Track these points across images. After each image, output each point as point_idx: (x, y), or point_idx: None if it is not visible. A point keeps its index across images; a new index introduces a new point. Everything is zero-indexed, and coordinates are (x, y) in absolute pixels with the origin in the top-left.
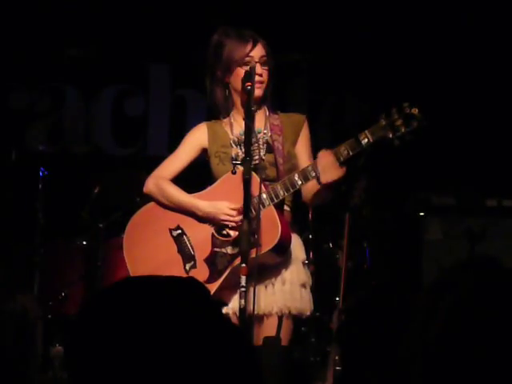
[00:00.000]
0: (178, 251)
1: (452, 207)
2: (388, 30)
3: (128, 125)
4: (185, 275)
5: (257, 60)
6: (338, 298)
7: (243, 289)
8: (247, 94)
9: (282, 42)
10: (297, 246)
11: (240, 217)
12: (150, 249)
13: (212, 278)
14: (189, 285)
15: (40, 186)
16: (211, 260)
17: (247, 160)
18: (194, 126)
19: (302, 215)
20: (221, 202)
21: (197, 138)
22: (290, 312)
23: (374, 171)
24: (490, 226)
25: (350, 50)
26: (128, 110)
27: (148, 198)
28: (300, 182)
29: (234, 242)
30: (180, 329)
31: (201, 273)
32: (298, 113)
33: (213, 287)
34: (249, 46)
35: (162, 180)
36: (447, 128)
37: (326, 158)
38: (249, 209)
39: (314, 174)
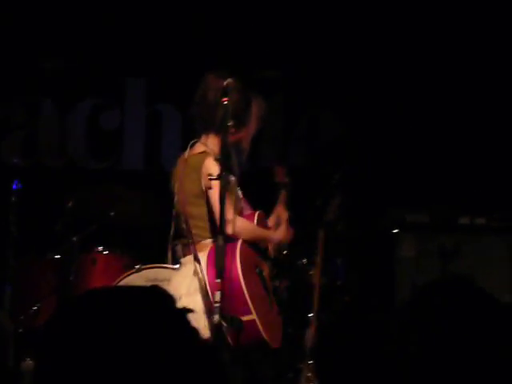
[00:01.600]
0: (263, 288)
1: (425, 224)
2: (362, 47)
3: (103, 138)
4: (270, 311)
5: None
6: (311, 315)
7: (217, 304)
8: (223, 109)
9: (258, 58)
10: None
11: None
12: (252, 281)
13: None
14: (153, 294)
15: (13, 198)
16: (274, 294)
17: (223, 175)
18: (169, 141)
19: None
20: (281, 227)
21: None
22: None
23: (348, 188)
24: (463, 243)
25: (325, 66)
26: (103, 123)
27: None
28: None
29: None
30: (145, 337)
31: (275, 306)
32: None
33: (280, 317)
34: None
35: (243, 221)
36: (421, 146)
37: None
38: (224, 225)
39: None
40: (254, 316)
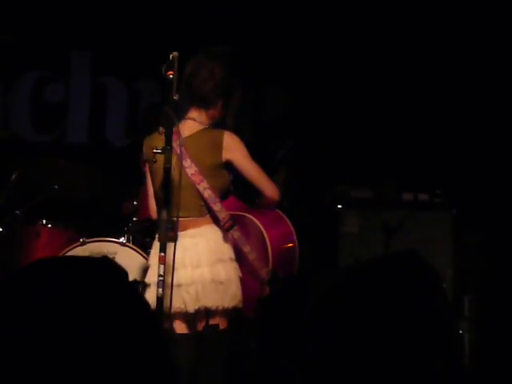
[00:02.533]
0: None
1: (369, 200)
2: (309, 20)
3: (47, 111)
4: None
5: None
6: None
7: (161, 278)
8: (168, 82)
9: (204, 34)
10: None
11: None
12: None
13: None
14: (104, 265)
15: None
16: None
17: (168, 149)
18: (113, 114)
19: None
20: None
21: None
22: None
23: (293, 163)
24: (406, 219)
25: (271, 41)
26: (47, 96)
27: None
28: None
29: None
30: (93, 308)
31: None
32: None
33: None
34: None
35: None
36: (365, 122)
37: None
38: (170, 198)
39: None
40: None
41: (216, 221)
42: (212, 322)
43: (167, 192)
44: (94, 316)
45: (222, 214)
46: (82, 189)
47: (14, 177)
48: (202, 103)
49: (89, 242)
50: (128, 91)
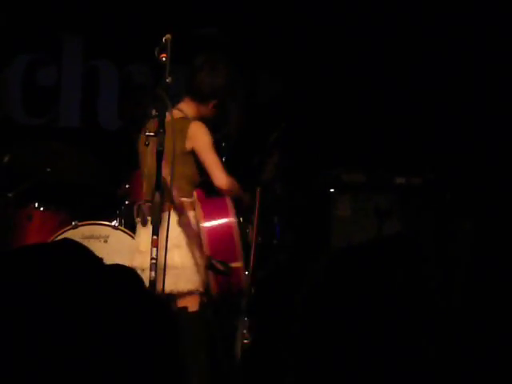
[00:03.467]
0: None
1: (361, 184)
2: (299, 4)
3: (39, 94)
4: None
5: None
6: (247, 273)
7: (153, 261)
8: (161, 65)
9: (194, 16)
10: None
11: None
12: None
13: None
14: (72, 247)
15: None
16: None
17: (161, 132)
18: (105, 97)
19: (213, 190)
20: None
21: None
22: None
23: (285, 147)
24: (399, 203)
25: (261, 24)
26: (40, 79)
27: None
28: None
29: None
30: (68, 291)
31: None
32: None
33: None
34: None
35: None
36: (359, 106)
37: None
38: (161, 181)
39: None
40: (240, 264)
41: (176, 207)
42: (181, 304)
43: (159, 175)
44: (61, 298)
45: (176, 201)
46: (74, 172)
47: (5, 160)
48: (196, 97)
49: (81, 226)
50: (120, 74)
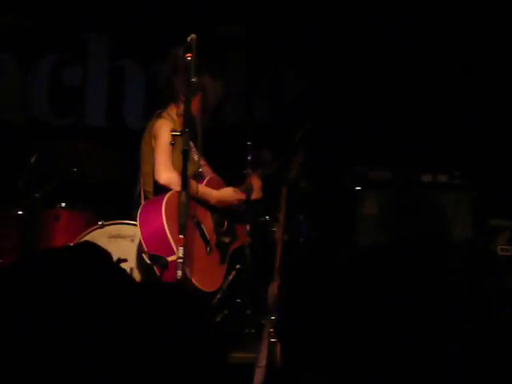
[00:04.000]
0: (200, 236)
1: (388, 182)
2: (325, 5)
3: (66, 94)
4: (207, 257)
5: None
6: (273, 271)
7: (180, 260)
8: (186, 65)
9: (221, 14)
10: None
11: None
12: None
13: (223, 261)
14: (89, 249)
15: None
16: (218, 246)
17: (186, 131)
18: (131, 97)
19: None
20: (226, 189)
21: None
22: None
23: (311, 145)
24: (425, 200)
25: (289, 23)
26: (66, 79)
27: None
28: None
29: (227, 232)
30: (83, 290)
31: (216, 256)
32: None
33: (224, 269)
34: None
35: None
36: (385, 104)
37: (256, 181)
38: (187, 181)
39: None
40: (175, 257)
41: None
42: None
43: (185, 174)
44: (81, 296)
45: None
46: (101, 172)
47: (32, 160)
48: (165, 98)
49: (107, 225)
50: (145, 74)
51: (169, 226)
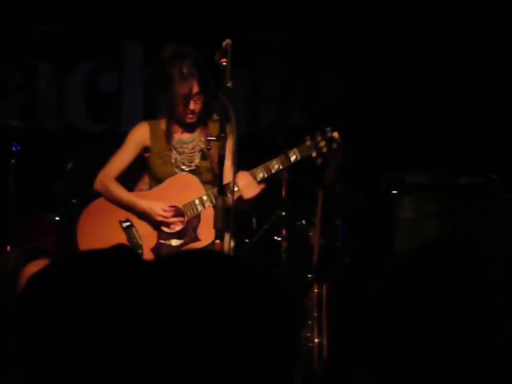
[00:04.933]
0: (127, 240)
1: (424, 185)
2: (361, 6)
3: (102, 100)
4: None
5: (191, 98)
6: (310, 276)
7: None
8: (222, 70)
9: (256, 19)
10: None
11: (174, 218)
12: (101, 237)
13: None
14: (120, 251)
15: (13, 161)
16: (157, 250)
17: (222, 136)
18: None
19: (275, 192)
20: (156, 203)
21: (139, 138)
22: None
23: (347, 149)
24: (462, 204)
25: (324, 28)
26: (102, 85)
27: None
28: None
29: (178, 235)
30: (119, 294)
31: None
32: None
33: None
34: (187, 86)
35: (107, 179)
36: (420, 107)
37: (243, 177)
38: (222, 185)
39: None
40: None
41: None
42: None
43: (221, 179)
44: (117, 300)
45: None
46: (136, 177)
47: (69, 166)
48: None
49: None
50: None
51: (81, 232)
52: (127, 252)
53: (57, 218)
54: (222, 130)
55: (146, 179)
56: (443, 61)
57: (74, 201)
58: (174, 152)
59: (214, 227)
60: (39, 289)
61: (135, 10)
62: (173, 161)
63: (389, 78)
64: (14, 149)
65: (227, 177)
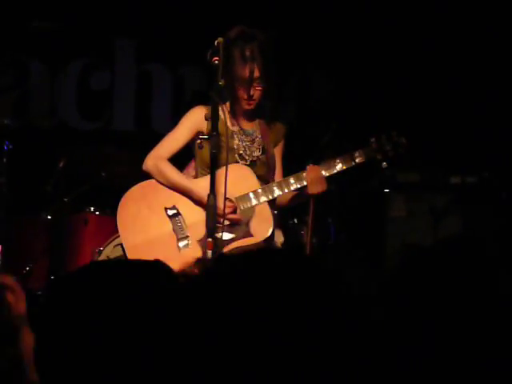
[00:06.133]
0: (173, 230)
1: (416, 184)
2: (354, 7)
3: (93, 99)
4: (177, 253)
5: (252, 83)
6: None
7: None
8: (214, 68)
9: (247, 17)
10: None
11: (229, 210)
12: (143, 223)
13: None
14: (153, 268)
15: (4, 159)
16: (205, 243)
17: (214, 135)
18: (159, 101)
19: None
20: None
21: (196, 121)
22: None
23: (339, 147)
24: (454, 202)
25: (316, 26)
26: (93, 84)
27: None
28: (295, 186)
29: (229, 229)
30: (145, 310)
31: (194, 252)
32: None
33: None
34: (247, 69)
35: (160, 160)
36: (412, 106)
37: (315, 171)
38: (214, 183)
39: (305, 183)
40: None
41: None
42: None
43: (213, 177)
44: (142, 316)
45: None
46: (129, 176)
47: (61, 165)
48: None
49: None
50: (173, 78)
51: (120, 215)
52: (164, 269)
53: (49, 217)
54: (214, 128)
55: (192, 166)
56: (437, 59)
57: (65, 199)
58: (236, 139)
59: (206, 226)
60: (62, 292)
61: (127, 9)
62: (235, 148)
63: (382, 76)
64: (5, 147)
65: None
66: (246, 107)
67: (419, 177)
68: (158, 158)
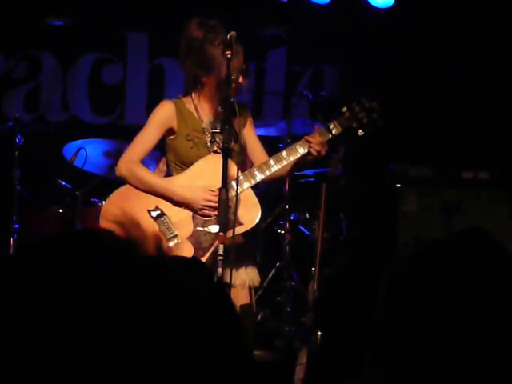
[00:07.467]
0: (160, 231)
1: (428, 179)
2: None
3: (105, 93)
4: (169, 252)
5: (241, 72)
6: (313, 269)
7: (221, 257)
8: (227, 62)
9: (262, 14)
10: None
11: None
12: (129, 227)
13: (197, 255)
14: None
15: (16, 153)
16: (195, 238)
17: (226, 129)
18: (171, 95)
19: (278, 186)
20: (197, 187)
21: (165, 118)
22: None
23: (351, 142)
24: (466, 198)
25: (329, 23)
26: (106, 78)
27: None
28: (288, 159)
29: (216, 221)
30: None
31: (185, 250)
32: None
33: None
34: (238, 59)
35: (133, 164)
36: (425, 100)
37: (315, 137)
38: (226, 178)
39: (303, 151)
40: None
41: None
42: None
43: (225, 172)
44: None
45: None
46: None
47: (73, 159)
48: None
49: None
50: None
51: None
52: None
53: (60, 210)
54: (226, 122)
55: (163, 161)
56: (451, 55)
57: (77, 193)
58: (207, 134)
59: (218, 221)
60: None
61: (140, 2)
62: (208, 144)
63: (393, 72)
64: (17, 141)
65: (261, 159)
66: (238, 95)
67: (431, 172)
68: (130, 162)
